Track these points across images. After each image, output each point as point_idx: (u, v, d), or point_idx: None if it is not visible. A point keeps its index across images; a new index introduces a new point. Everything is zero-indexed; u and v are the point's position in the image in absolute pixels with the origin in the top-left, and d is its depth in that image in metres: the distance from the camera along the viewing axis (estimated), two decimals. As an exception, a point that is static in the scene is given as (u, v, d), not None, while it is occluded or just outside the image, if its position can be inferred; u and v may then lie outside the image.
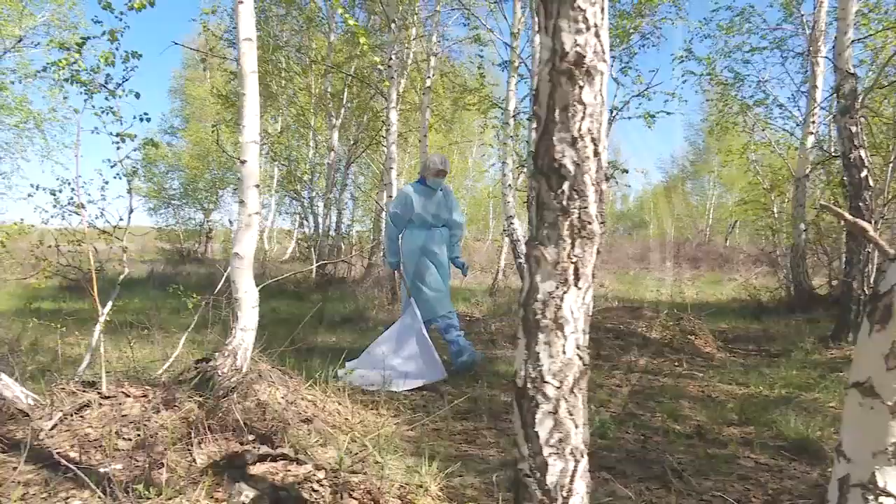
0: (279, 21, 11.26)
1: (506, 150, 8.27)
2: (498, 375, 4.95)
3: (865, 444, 1.36)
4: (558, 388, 1.11)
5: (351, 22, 4.02)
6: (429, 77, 9.23)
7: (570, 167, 1.07)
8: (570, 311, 1.12)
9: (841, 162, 5.90)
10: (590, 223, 1.10)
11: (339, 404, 3.83)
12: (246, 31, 3.42)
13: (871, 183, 5.64)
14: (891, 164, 6.19)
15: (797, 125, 8.91)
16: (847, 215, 1.50)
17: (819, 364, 5.40)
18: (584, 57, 1.04)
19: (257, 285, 3.91)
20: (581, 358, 1.14)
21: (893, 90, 6.98)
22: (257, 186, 3.55)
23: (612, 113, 7.46)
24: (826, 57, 7.23)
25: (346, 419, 3.65)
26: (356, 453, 2.90)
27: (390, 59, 8.08)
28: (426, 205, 5.29)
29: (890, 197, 6.38)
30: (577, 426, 1.13)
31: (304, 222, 12.54)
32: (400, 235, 5.33)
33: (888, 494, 1.33)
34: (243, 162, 3.45)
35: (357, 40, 4.66)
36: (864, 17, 7.86)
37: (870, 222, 5.65)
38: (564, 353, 1.12)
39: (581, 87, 1.06)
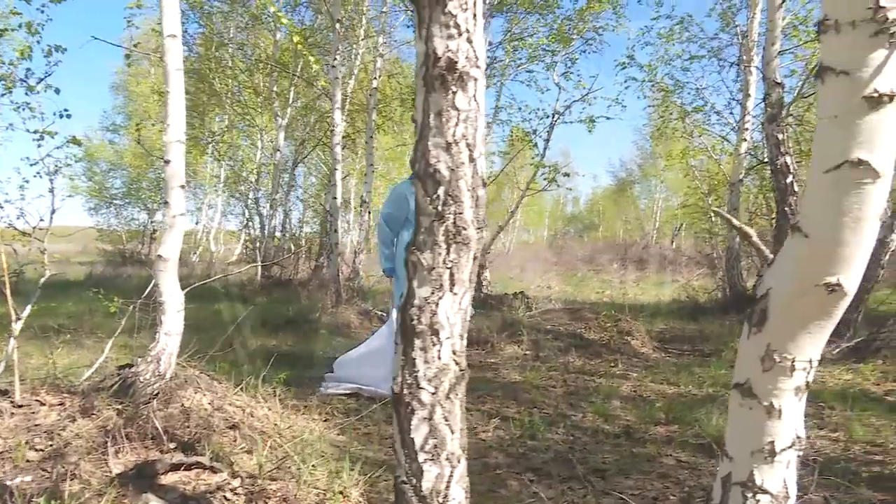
0: (223, 18, 11.03)
1: (451, 152, 8.28)
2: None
3: (745, 444, 1.40)
4: (433, 393, 1.11)
5: (284, 21, 3.96)
6: (375, 78, 9.17)
7: (445, 172, 1.07)
8: (445, 316, 1.12)
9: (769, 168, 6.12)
10: (465, 228, 1.10)
11: (270, 409, 3.76)
12: (170, 27, 3.33)
13: (797, 188, 5.86)
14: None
15: (732, 131, 9.21)
16: (734, 221, 1.54)
17: (747, 363, 5.57)
18: (457, 62, 1.05)
19: (201, 287, 3.80)
20: (457, 363, 1.14)
21: (818, 99, 7.27)
22: (183, 187, 3.45)
23: (553, 116, 7.58)
24: (756, 67, 7.49)
25: (276, 424, 3.59)
26: (280, 459, 2.85)
27: (335, 59, 8.00)
28: None
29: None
30: (453, 432, 1.13)
31: (249, 223, 12.30)
32: (395, 239, 4.94)
33: (765, 492, 1.37)
34: (167, 162, 3.36)
35: (296, 37, 4.58)
36: (795, 29, 8.18)
37: (795, 226, 5.87)
38: (440, 358, 1.12)
39: (454, 93, 1.06)
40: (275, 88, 11.31)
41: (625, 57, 9.06)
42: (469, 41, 1.06)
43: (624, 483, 2.95)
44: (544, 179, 7.76)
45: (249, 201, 11.95)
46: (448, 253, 1.10)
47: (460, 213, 1.10)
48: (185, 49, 10.57)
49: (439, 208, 1.09)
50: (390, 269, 4.96)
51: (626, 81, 9.46)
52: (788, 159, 5.82)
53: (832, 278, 1.24)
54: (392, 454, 3.25)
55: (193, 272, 12.31)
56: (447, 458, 1.13)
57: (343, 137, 8.16)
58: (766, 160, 7.14)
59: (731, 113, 9.42)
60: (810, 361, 1.33)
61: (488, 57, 8.09)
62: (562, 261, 21.68)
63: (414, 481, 1.11)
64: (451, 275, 1.11)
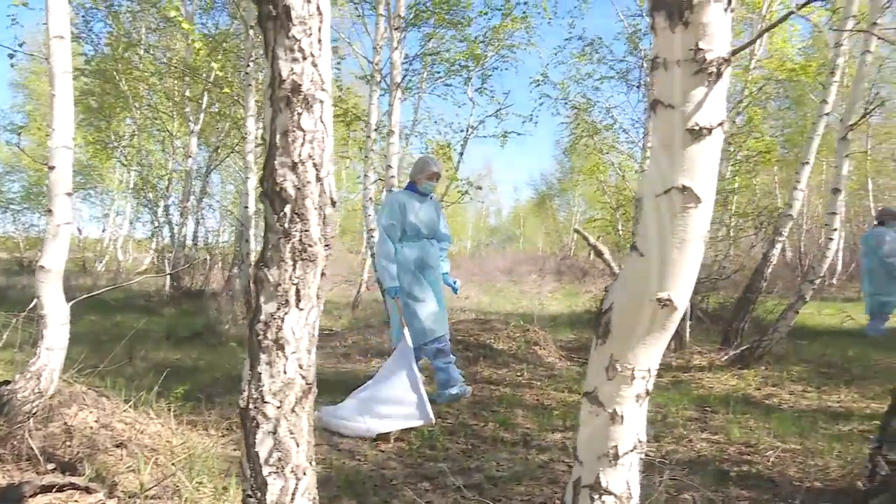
0: (133, 17, 10.62)
1: (367, 163, 8.29)
2: (344, 389, 4.92)
3: (593, 449, 1.48)
4: (279, 407, 1.13)
5: (186, 26, 3.85)
6: (291, 86, 9.04)
7: (292, 191, 1.10)
8: (291, 331, 1.14)
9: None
10: (311, 246, 1.13)
11: (163, 425, 3.63)
12: (57, 28, 3.19)
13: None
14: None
15: (638, 149, 9.67)
16: (590, 238, 1.64)
17: (644, 371, 5.85)
18: (301, 85, 1.08)
19: (103, 299, 3.62)
20: (304, 377, 1.17)
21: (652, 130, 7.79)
22: (69, 195, 3.30)
23: (467, 131, 7.74)
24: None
25: (168, 441, 3.47)
26: (164, 477, 2.77)
27: (248, 65, 7.85)
28: (419, 212, 4.73)
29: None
30: (298, 445, 1.16)
31: (157, 232, 11.83)
32: (394, 256, 4.66)
33: (609, 493, 1.46)
34: (51, 168, 3.21)
35: (197, 43, 4.46)
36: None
37: (689, 241, 6.22)
38: (285, 372, 1.14)
39: (300, 114, 1.09)
40: (187, 93, 10.97)
41: (539, 75, 9.37)
42: (314, 65, 1.09)
43: (515, 489, 3.04)
44: (458, 192, 7.90)
45: (159, 209, 11.50)
46: (294, 269, 1.12)
47: (307, 231, 1.13)
48: (90, 48, 10.12)
49: (286, 226, 1.11)
50: (397, 288, 4.58)
51: (540, 98, 9.78)
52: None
53: (664, 294, 1.34)
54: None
55: (98, 282, 11.72)
56: (292, 471, 1.15)
57: (257, 146, 8.00)
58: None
59: (636, 131, 9.90)
60: (649, 370, 1.44)
61: (404, 69, 8.16)
62: (482, 272, 21.99)
63: (259, 494, 1.13)
64: (298, 291, 1.14)
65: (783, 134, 12.22)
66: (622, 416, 1.43)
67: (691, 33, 1.24)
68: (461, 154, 7.98)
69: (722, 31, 1.26)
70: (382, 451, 3.62)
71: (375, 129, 8.26)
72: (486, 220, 46.83)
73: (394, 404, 3.92)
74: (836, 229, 5.35)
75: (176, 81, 11.06)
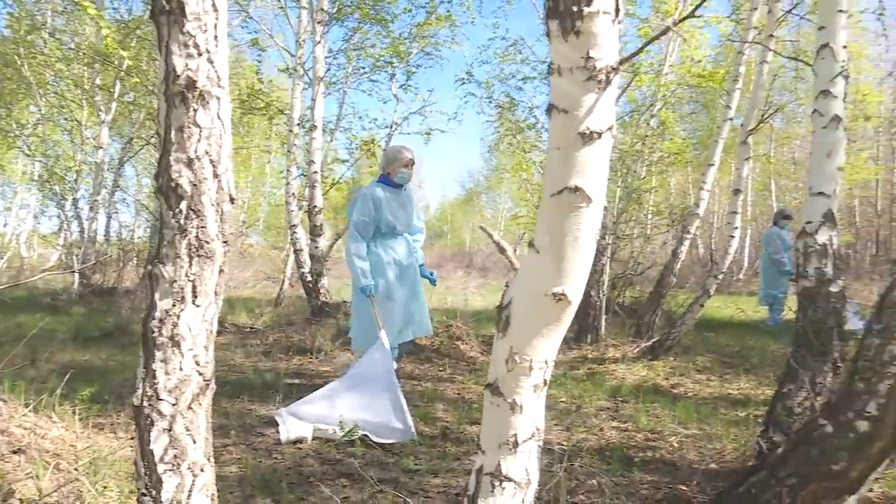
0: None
1: (289, 158, 8.15)
2: (264, 388, 4.84)
3: (494, 437, 1.54)
4: (174, 404, 1.13)
5: (92, 11, 3.68)
6: (210, 77, 8.76)
7: (187, 187, 1.10)
8: (187, 328, 1.14)
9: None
10: (209, 242, 1.13)
11: (67, 429, 3.47)
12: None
13: (606, 204, 6.45)
14: (618, 188, 7.17)
15: (559, 149, 9.92)
16: (494, 235, 1.70)
17: (561, 363, 6.05)
18: (196, 81, 1.08)
19: (8, 297, 3.40)
20: (201, 374, 1.17)
21: (622, 124, 8.14)
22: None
23: (391, 127, 7.74)
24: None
25: (72, 446, 3.32)
26: (65, 483, 2.65)
27: (163, 54, 7.54)
28: (393, 207, 4.50)
29: (619, 215, 7.42)
30: (195, 442, 1.16)
31: (65, 227, 11.20)
32: (367, 254, 4.48)
33: (509, 479, 1.52)
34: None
35: (106, 30, 4.26)
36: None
37: (604, 238, 6.47)
38: (181, 369, 1.14)
39: (196, 110, 1.09)
40: (97, 81, 10.43)
41: (464, 73, 9.46)
42: (210, 62, 1.09)
43: (432, 482, 3.09)
44: (382, 188, 7.89)
45: (67, 202, 10.89)
46: (191, 266, 1.12)
47: (203, 228, 1.13)
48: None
49: (181, 222, 1.11)
50: (372, 286, 4.39)
51: (465, 97, 9.88)
52: (599, 177, 6.40)
53: (559, 289, 1.41)
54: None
55: (-2, 280, 10.99)
56: (189, 468, 1.14)
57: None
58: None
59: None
60: (546, 362, 1.51)
61: (328, 63, 8.07)
62: None
63: (153, 492, 1.12)
64: (194, 287, 1.13)
65: (694, 136, 12.86)
66: (521, 406, 1.50)
67: (583, 42, 1.31)
68: (385, 150, 7.98)
69: (610, 41, 1.34)
70: (300, 449, 3.59)
71: (298, 124, 8.14)
72: (413, 217, 46.77)
73: (373, 413, 3.76)
74: (737, 227, 5.69)
75: (85, 68, 10.50)
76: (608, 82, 1.34)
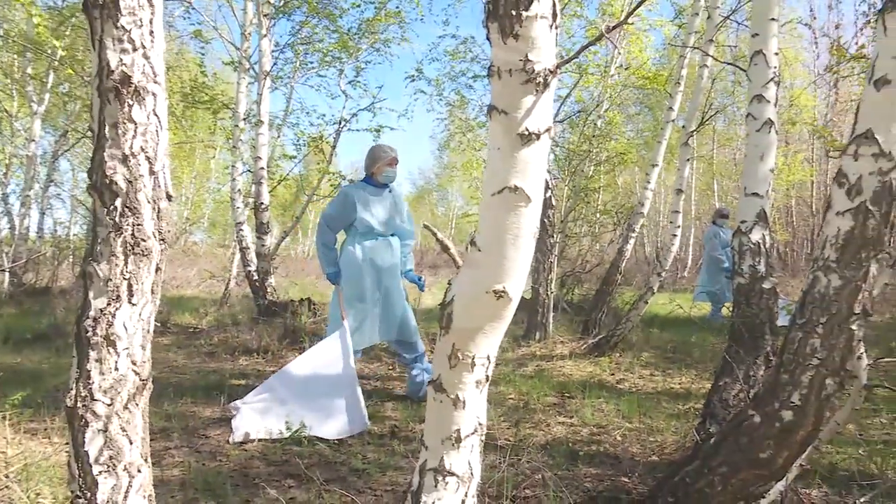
0: (-39, -17, 9.51)
1: (235, 154, 8.01)
2: (208, 390, 4.76)
3: (437, 433, 1.57)
4: (109, 405, 1.11)
5: (22, -1, 3.53)
6: (151, 69, 8.51)
7: (122, 184, 1.09)
8: (123, 327, 1.13)
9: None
10: (145, 240, 1.12)
11: (-4, 436, 3.34)
12: None
13: (554, 202, 6.58)
14: (566, 187, 7.32)
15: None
16: (439, 234, 1.73)
17: (510, 360, 6.15)
18: (131, 77, 1.07)
19: None
20: (137, 374, 1.16)
21: (570, 124, 8.33)
22: None
23: (340, 124, 7.69)
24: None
25: (3, 452, 3.20)
26: (1, 490, 2.56)
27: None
28: (374, 208, 4.46)
29: (567, 213, 7.58)
30: (132, 442, 1.15)
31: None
32: (333, 243, 4.49)
33: (452, 474, 1.56)
34: None
35: (37, 17, 4.09)
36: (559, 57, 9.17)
37: (552, 237, 6.60)
38: (117, 369, 1.13)
39: (131, 106, 1.08)
40: (29, 70, 10.00)
41: (414, 70, 9.49)
42: (146, 57, 1.08)
43: (380, 480, 3.11)
44: (331, 185, 7.85)
45: (-5, 197, 10.41)
46: (126, 264, 1.11)
47: (139, 225, 1.12)
48: None
49: (116, 220, 1.10)
50: (335, 273, 4.43)
51: (415, 94, 9.90)
52: (547, 176, 6.52)
53: (499, 286, 1.45)
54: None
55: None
56: (125, 469, 1.13)
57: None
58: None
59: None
60: (488, 357, 1.55)
61: (275, 57, 7.96)
62: None
63: (88, 494, 1.10)
64: (130, 286, 1.12)
65: (641, 137, 13.23)
66: (464, 402, 1.53)
67: (521, 45, 1.35)
68: (334, 147, 7.92)
69: (548, 44, 1.38)
70: (246, 451, 3.55)
71: (244, 119, 8.00)
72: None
73: (328, 400, 3.80)
74: (679, 226, 5.89)
75: (15, 56, 10.05)
76: (546, 85, 1.39)
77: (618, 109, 9.44)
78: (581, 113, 9.22)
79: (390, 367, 5.81)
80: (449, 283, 1.57)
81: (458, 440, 1.54)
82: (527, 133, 1.40)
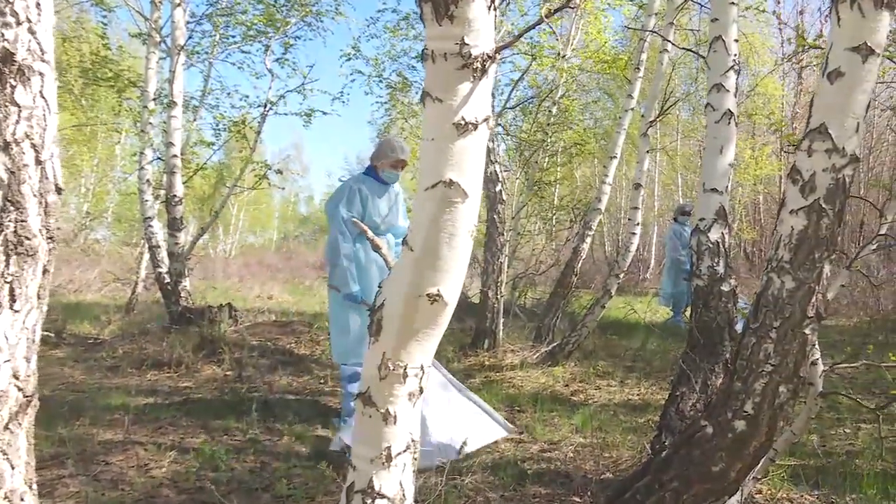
0: None
1: (143, 139, 7.80)
2: (109, 409, 4.64)
3: (366, 451, 1.59)
4: (-14, 425, 1.10)
5: None
6: (43, 39, 8.21)
7: (4, 175, 1.07)
8: (3, 336, 1.11)
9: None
10: (29, 238, 1.11)
11: None
12: None
13: (505, 197, 6.68)
14: (517, 180, 7.44)
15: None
16: (369, 233, 1.76)
17: (456, 371, 6.20)
18: (15, 55, 1.06)
19: None
20: (20, 389, 1.14)
21: (523, 111, 8.46)
22: None
23: (266, 106, 7.59)
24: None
25: None
26: None
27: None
28: (379, 205, 4.46)
29: (520, 209, 7.71)
30: (13, 467, 1.13)
31: None
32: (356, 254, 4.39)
33: (382, 496, 1.59)
34: None
35: None
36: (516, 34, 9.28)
37: (502, 234, 6.70)
38: (-4, 384, 1.11)
39: (14, 87, 1.07)
40: None
41: (350, 48, 9.43)
42: (31, 32, 1.07)
43: (307, 506, 3.11)
44: (255, 175, 7.74)
45: None
46: (7, 265, 1.09)
47: (23, 222, 1.10)
48: None
49: (-4, 215, 1.08)
50: (359, 293, 4.33)
51: (351, 74, 9.84)
52: (497, 168, 6.61)
53: (434, 289, 1.49)
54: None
55: None
56: (6, 498, 1.11)
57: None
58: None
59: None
60: (422, 367, 1.58)
61: (190, 30, 7.80)
62: (289, 267, 21.65)
63: (-39, 528, 1.08)
64: (12, 290, 1.10)
65: (600, 126, 13.52)
66: (395, 416, 1.56)
67: (457, 28, 1.39)
68: (259, 133, 7.81)
69: (486, 27, 1.42)
70: (153, 478, 3.49)
71: (154, 99, 7.81)
72: (294, 209, 46.05)
73: (455, 423, 4.00)
74: (638, 224, 6.08)
75: None
76: (484, 71, 1.43)
77: (575, 96, 9.62)
78: (534, 99, 9.39)
79: (321, 381, 5.79)
80: (379, 287, 1.60)
81: (389, 458, 1.56)
82: (463, 122, 1.43)
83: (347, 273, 4.33)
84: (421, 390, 1.61)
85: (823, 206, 1.81)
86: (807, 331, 1.80)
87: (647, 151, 5.87)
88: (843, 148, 1.81)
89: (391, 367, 1.54)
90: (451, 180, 1.44)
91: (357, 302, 4.35)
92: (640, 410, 4.95)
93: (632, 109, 6.56)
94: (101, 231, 22.33)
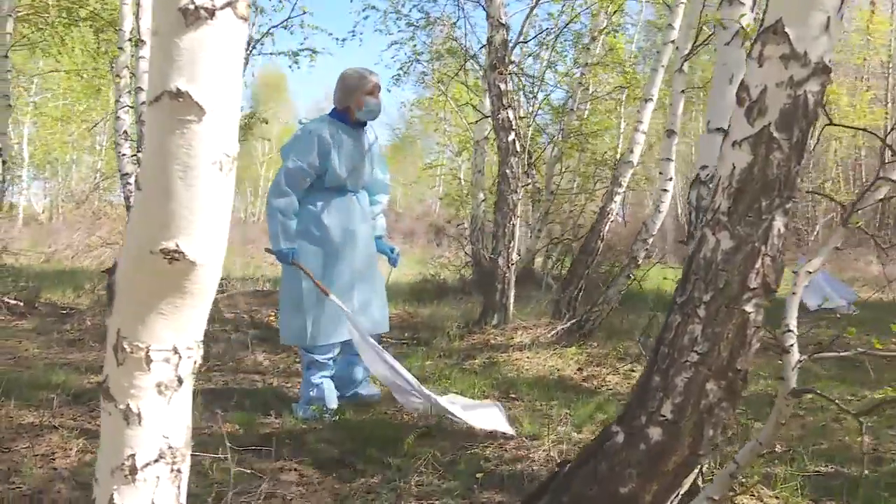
0: None
1: (119, 84, 7.70)
2: (48, 388, 4.55)
3: (106, 461, 1.34)
4: None
5: None
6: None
7: None
8: None
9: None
10: None
11: None
12: None
13: (519, 148, 6.31)
14: (530, 127, 7.05)
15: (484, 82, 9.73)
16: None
17: (456, 351, 5.94)
18: None
19: None
20: None
21: (541, 48, 8.01)
22: None
23: (250, 47, 7.36)
24: (479, 3, 7.92)
25: None
26: None
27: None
28: (350, 154, 4.07)
29: (533, 160, 7.31)
30: None
31: None
32: (296, 211, 4.04)
33: (126, 520, 1.32)
34: None
35: None
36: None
37: (515, 191, 6.34)
38: None
39: None
40: None
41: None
42: None
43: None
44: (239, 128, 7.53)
45: None
46: None
47: None
48: None
49: None
50: (291, 252, 3.96)
51: (364, 10, 9.55)
52: (511, 113, 6.23)
53: (169, 243, 1.20)
54: None
55: None
56: None
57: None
58: (487, 115, 7.63)
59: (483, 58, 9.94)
60: (175, 350, 1.30)
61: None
62: (262, 231, 21.70)
63: None
64: None
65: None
66: (139, 415, 1.29)
67: None
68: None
69: None
70: (54, 469, 3.36)
71: (129, 39, 7.68)
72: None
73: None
74: (670, 178, 5.62)
75: None
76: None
77: (619, 30, 9.07)
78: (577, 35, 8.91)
79: (297, 361, 5.60)
80: (120, 245, 1.32)
81: (133, 471, 1.30)
82: (192, 7, 1.13)
83: (278, 227, 3.95)
84: (179, 381, 1.33)
85: (775, 134, 1.42)
86: (747, 307, 1.44)
87: (682, 91, 5.38)
88: (805, 54, 1.42)
89: (128, 350, 1.27)
90: (178, 89, 1.14)
91: (287, 262, 4.00)
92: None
93: (672, 42, 6.07)
94: (116, 193, 22.64)
